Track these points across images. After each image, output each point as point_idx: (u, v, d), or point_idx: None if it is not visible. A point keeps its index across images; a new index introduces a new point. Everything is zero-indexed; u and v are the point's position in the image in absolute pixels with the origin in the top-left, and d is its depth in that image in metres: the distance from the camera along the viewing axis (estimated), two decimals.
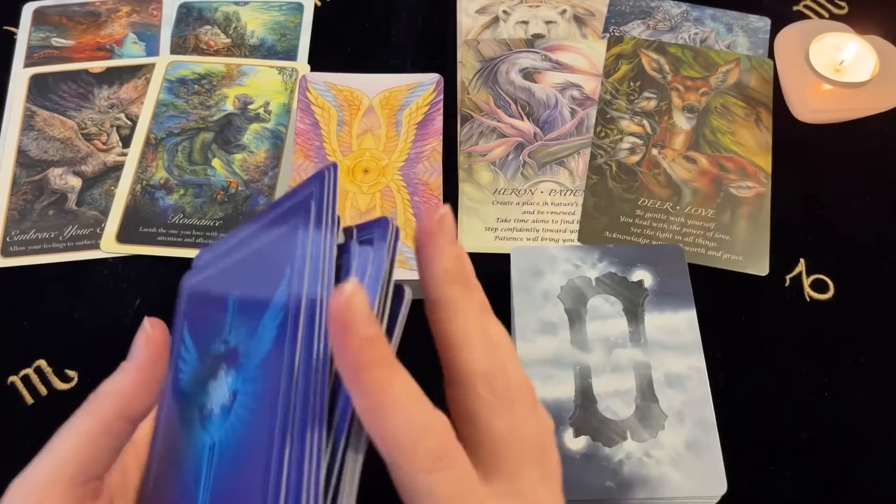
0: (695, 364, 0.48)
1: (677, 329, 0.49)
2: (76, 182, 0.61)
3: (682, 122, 0.63)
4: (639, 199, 0.59)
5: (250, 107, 0.65)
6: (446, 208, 0.28)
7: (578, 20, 0.69)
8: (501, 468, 0.27)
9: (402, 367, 0.25)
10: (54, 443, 0.28)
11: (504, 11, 0.69)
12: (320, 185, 0.28)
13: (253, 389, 0.27)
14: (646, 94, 0.64)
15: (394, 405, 0.24)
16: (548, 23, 0.69)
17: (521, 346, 0.48)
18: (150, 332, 0.30)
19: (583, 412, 0.46)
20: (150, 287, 0.57)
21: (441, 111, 0.61)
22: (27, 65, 0.67)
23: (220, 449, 0.28)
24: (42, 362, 0.54)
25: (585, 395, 0.47)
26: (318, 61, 0.68)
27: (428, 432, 0.24)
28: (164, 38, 0.69)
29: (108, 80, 0.66)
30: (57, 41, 0.69)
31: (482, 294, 0.29)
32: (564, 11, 0.70)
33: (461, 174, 0.61)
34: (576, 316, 0.49)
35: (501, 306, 0.51)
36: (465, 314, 0.28)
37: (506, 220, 0.59)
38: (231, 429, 0.28)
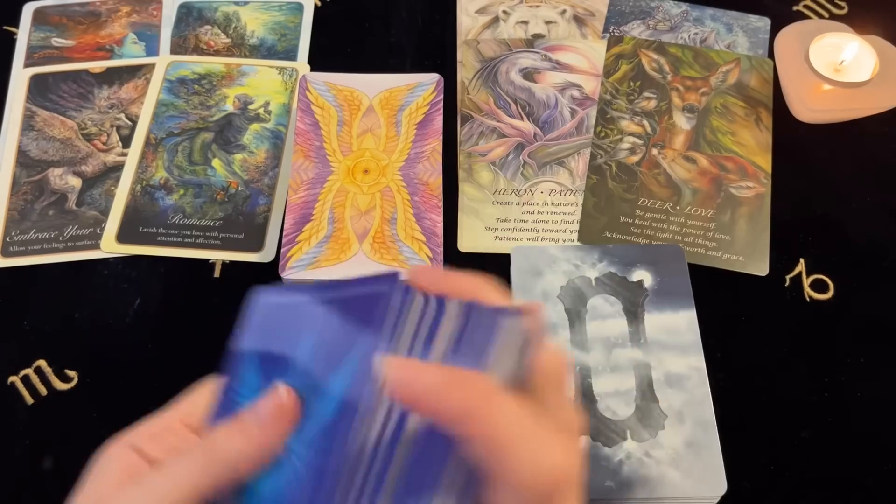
0: (695, 364, 0.48)
1: (677, 329, 0.49)
2: (76, 182, 0.61)
3: (682, 122, 0.63)
4: (639, 199, 0.59)
5: (250, 107, 0.65)
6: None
7: (578, 20, 0.69)
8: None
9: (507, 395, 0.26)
10: (156, 486, 0.27)
11: (504, 11, 0.69)
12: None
13: (308, 456, 0.27)
14: (646, 94, 0.64)
15: (513, 438, 0.25)
16: (548, 23, 0.69)
17: None
18: (286, 401, 0.28)
19: (582, 412, 0.46)
20: (150, 287, 0.57)
21: (441, 111, 0.61)
22: (27, 65, 0.67)
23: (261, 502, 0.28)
24: (42, 362, 0.54)
25: (585, 395, 0.47)
26: (318, 61, 0.67)
27: (553, 466, 0.25)
28: (164, 38, 0.69)
29: (108, 80, 0.66)
30: (57, 41, 0.69)
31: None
32: (564, 11, 0.70)
33: (461, 174, 0.61)
34: (575, 316, 0.49)
35: None
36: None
37: (506, 220, 0.59)
38: (277, 488, 0.27)
